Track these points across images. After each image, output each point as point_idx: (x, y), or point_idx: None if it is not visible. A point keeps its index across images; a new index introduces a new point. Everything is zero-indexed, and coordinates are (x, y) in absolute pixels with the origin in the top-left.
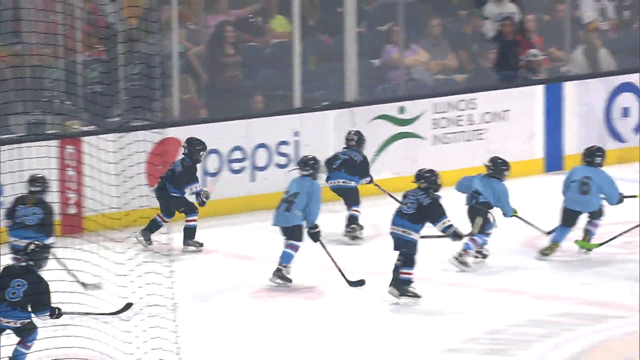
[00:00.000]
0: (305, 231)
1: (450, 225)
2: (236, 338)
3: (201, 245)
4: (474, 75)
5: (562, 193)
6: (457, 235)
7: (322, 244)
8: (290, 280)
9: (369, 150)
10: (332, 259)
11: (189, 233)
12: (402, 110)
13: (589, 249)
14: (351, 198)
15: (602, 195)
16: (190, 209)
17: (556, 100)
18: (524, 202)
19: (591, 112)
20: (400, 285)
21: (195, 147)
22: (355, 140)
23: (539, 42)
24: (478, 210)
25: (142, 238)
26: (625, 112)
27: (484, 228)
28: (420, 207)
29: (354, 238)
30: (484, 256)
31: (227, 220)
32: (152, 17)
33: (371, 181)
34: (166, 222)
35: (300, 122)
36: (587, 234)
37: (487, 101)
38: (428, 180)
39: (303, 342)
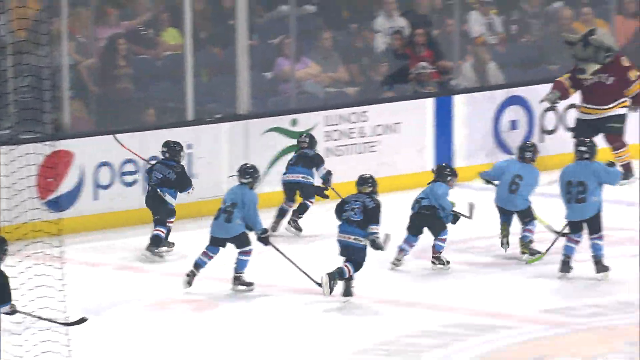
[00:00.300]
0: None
1: (375, 233)
2: (129, 351)
3: (173, 244)
4: (365, 88)
5: (486, 175)
6: (376, 245)
7: (274, 247)
8: (252, 284)
9: (261, 163)
10: (290, 260)
11: (157, 241)
12: (294, 122)
13: (539, 259)
14: (307, 192)
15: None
16: (162, 222)
17: (446, 113)
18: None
19: (480, 125)
20: (335, 271)
21: (175, 149)
22: (308, 142)
23: (428, 55)
24: (422, 215)
25: (153, 255)
26: (514, 125)
27: (439, 234)
28: (365, 210)
29: (298, 229)
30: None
31: (118, 233)
32: (41, 30)
33: (329, 174)
34: (171, 222)
35: (193, 135)
36: (524, 239)
37: (378, 114)
38: (373, 184)
39: (195, 354)
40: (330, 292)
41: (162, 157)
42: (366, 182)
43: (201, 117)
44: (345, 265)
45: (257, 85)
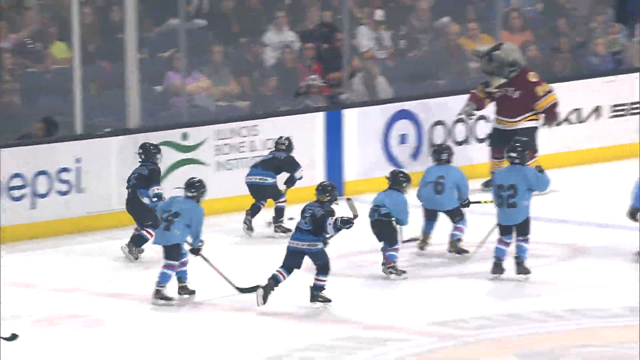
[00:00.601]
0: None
1: (336, 220)
2: None
3: (142, 250)
4: (255, 102)
5: (417, 193)
6: (346, 222)
7: (203, 257)
8: (172, 299)
9: None
10: (217, 270)
11: (139, 240)
12: (185, 136)
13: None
14: (271, 193)
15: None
16: (155, 228)
17: (336, 127)
18: None
19: (370, 138)
20: (312, 290)
21: (151, 151)
22: (286, 145)
23: (318, 69)
24: (381, 222)
25: (129, 253)
26: (403, 139)
27: (392, 243)
28: (314, 219)
29: (285, 231)
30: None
31: (6, 248)
32: None
33: (300, 179)
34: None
35: (82, 149)
36: (452, 237)
37: (268, 128)
38: (332, 193)
39: None
40: (329, 301)
41: (139, 160)
42: (324, 191)
43: (90, 131)
44: (316, 279)
45: (148, 99)
